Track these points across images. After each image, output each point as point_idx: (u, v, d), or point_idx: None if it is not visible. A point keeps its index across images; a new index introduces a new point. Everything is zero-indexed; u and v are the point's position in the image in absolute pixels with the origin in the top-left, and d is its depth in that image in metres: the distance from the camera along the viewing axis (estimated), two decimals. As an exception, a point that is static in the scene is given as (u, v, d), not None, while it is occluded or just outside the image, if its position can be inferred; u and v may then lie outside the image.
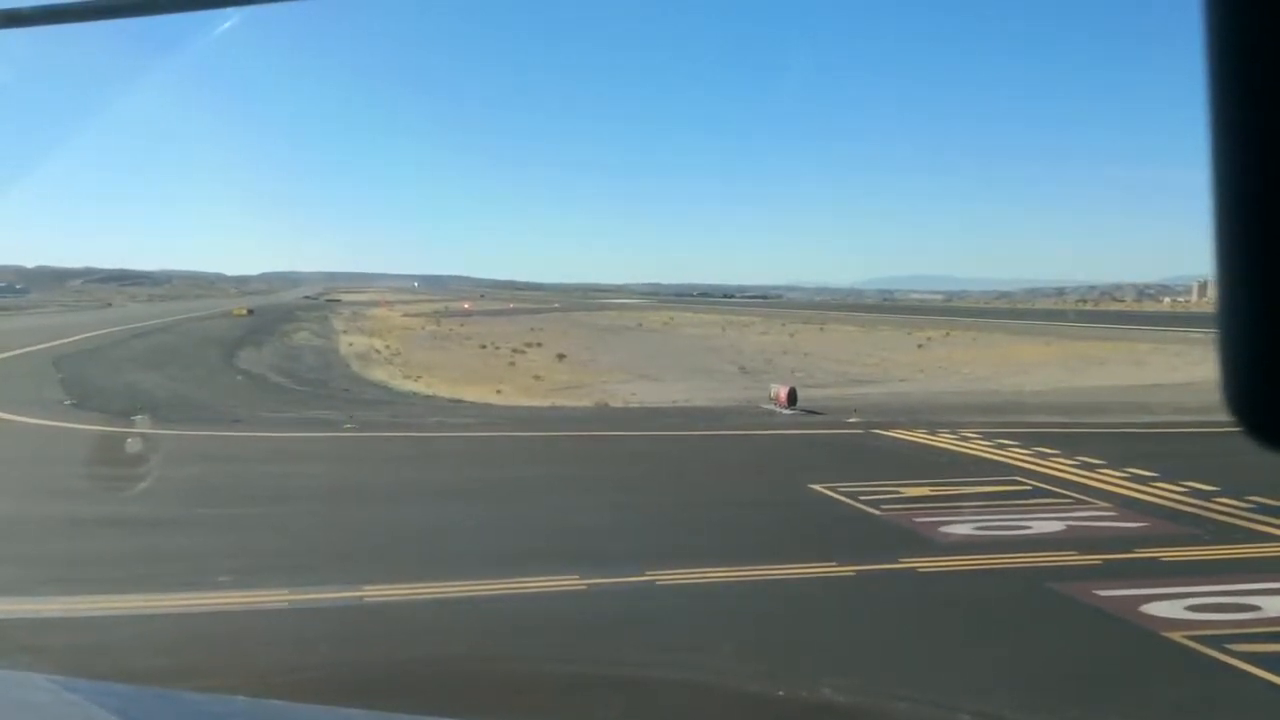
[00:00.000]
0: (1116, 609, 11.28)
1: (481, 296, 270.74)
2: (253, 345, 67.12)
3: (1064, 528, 15.37)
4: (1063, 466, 20.51)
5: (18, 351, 52.69)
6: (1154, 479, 18.79)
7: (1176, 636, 10.27)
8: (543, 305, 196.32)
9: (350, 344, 73.76)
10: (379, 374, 50.05)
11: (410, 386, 43.90)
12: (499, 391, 40.80)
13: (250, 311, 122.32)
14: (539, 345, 72.30)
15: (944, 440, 24.47)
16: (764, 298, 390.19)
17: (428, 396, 39.67)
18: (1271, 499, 16.25)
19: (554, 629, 10.90)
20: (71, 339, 63.92)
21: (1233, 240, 0.84)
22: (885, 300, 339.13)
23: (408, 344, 75.37)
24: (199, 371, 46.51)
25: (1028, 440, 23.78)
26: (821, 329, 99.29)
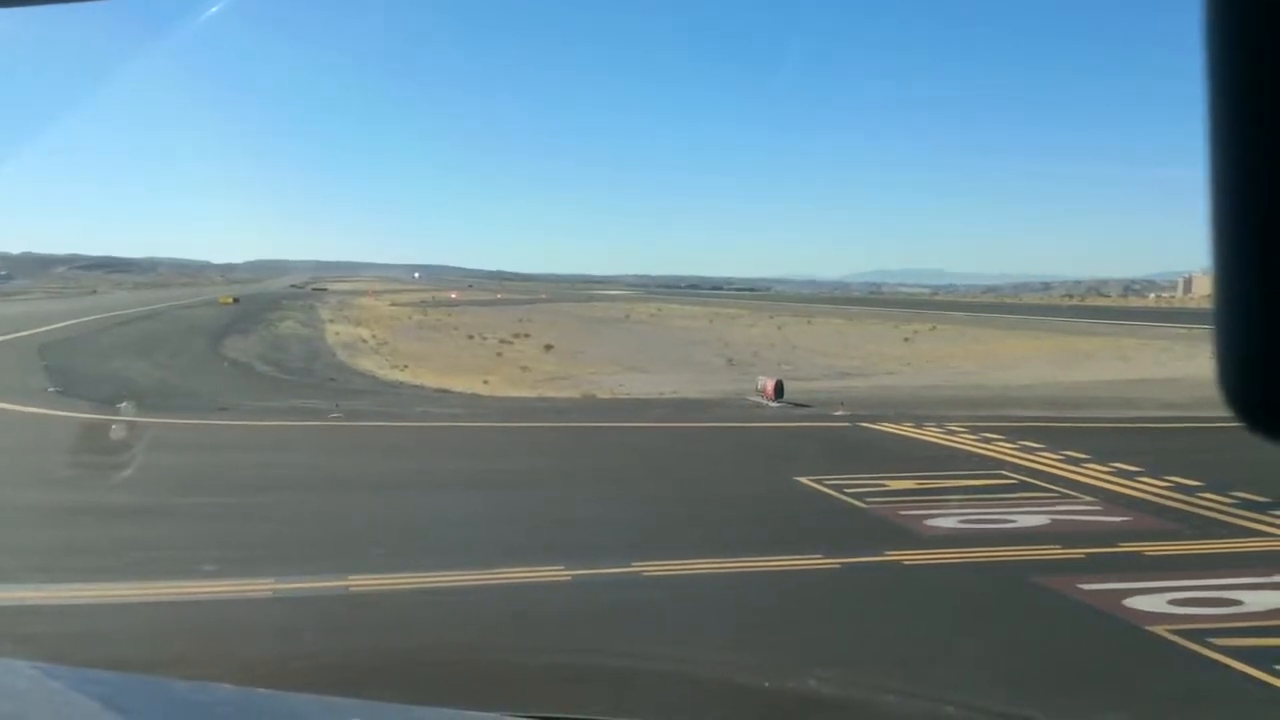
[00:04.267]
0: (1100, 603, 11.34)
1: (470, 286, 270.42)
2: (239, 333, 66.83)
3: (1048, 522, 15.45)
4: (1048, 461, 20.60)
5: (2, 338, 52.36)
6: (1139, 474, 18.89)
7: (1159, 630, 10.34)
8: (531, 296, 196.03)
9: (337, 333, 73.46)
10: (365, 363, 49.85)
11: (397, 376, 43.74)
12: (486, 382, 40.72)
13: (236, 300, 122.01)
14: (527, 336, 72.14)
15: (930, 434, 24.55)
16: (752, 290, 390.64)
17: (414, 386, 39.55)
18: (1255, 494, 16.38)
19: (539, 620, 10.90)
20: (56, 326, 63.61)
21: (1230, 233, 0.84)
22: (873, 294, 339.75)
23: (395, 334, 75.10)
24: (185, 359, 46.33)
25: (1013, 434, 23.88)
26: (809, 322, 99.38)
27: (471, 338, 71.19)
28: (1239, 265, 0.83)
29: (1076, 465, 20.04)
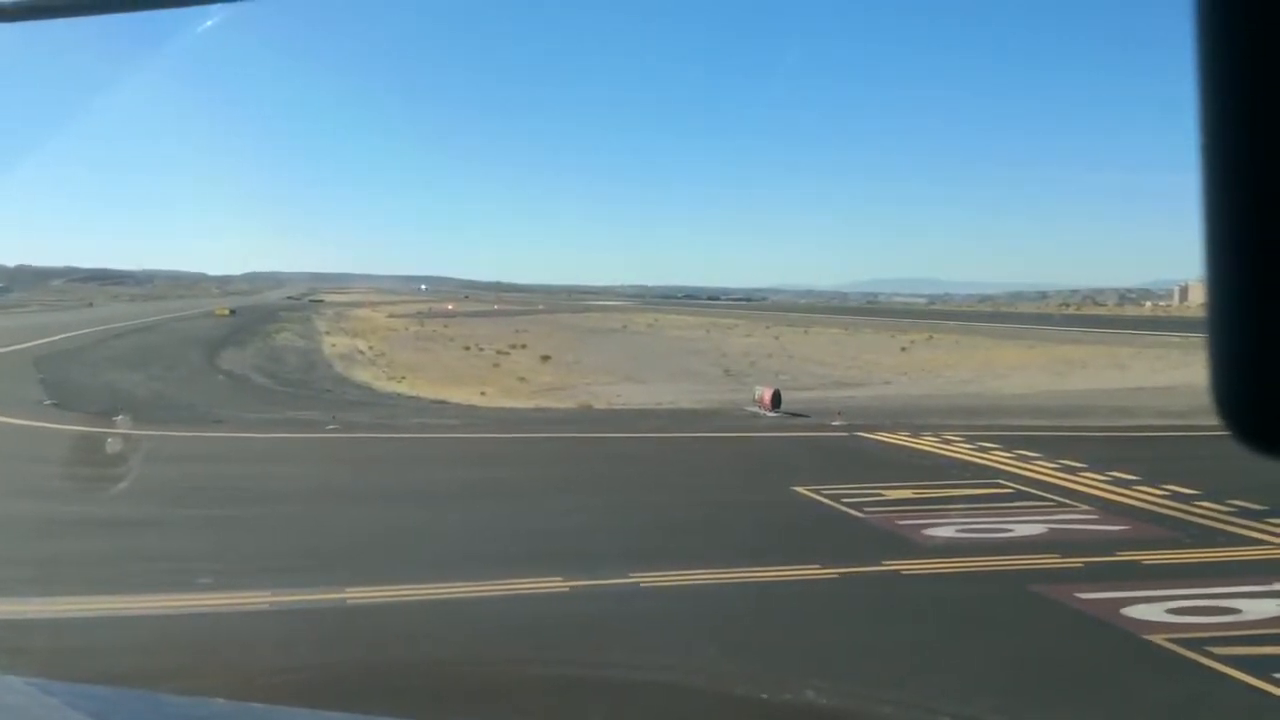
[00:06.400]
0: (1097, 612, 11.33)
1: (466, 297, 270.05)
2: (235, 345, 66.75)
3: (1046, 530, 15.44)
4: (1045, 470, 20.60)
5: (-3, 351, 52.28)
6: (1135, 482, 18.89)
7: (1157, 639, 10.33)
8: (528, 306, 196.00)
9: (334, 345, 73.39)
10: (362, 375, 49.81)
11: (394, 388, 43.71)
12: (483, 393, 40.69)
13: (233, 311, 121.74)
14: (523, 347, 72.09)
15: (927, 443, 24.55)
16: (748, 300, 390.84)
17: (411, 398, 39.53)
18: (1252, 503, 16.36)
19: (537, 631, 10.87)
20: (53, 338, 63.51)
21: (1223, 242, 0.84)
22: (869, 303, 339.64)
23: (392, 345, 75.05)
24: (181, 372, 46.24)
25: (1010, 443, 23.88)
26: (806, 332, 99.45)
27: (468, 349, 71.14)
28: (1233, 274, 0.83)
29: (1073, 474, 20.04)
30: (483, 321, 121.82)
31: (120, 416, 26.88)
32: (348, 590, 11.86)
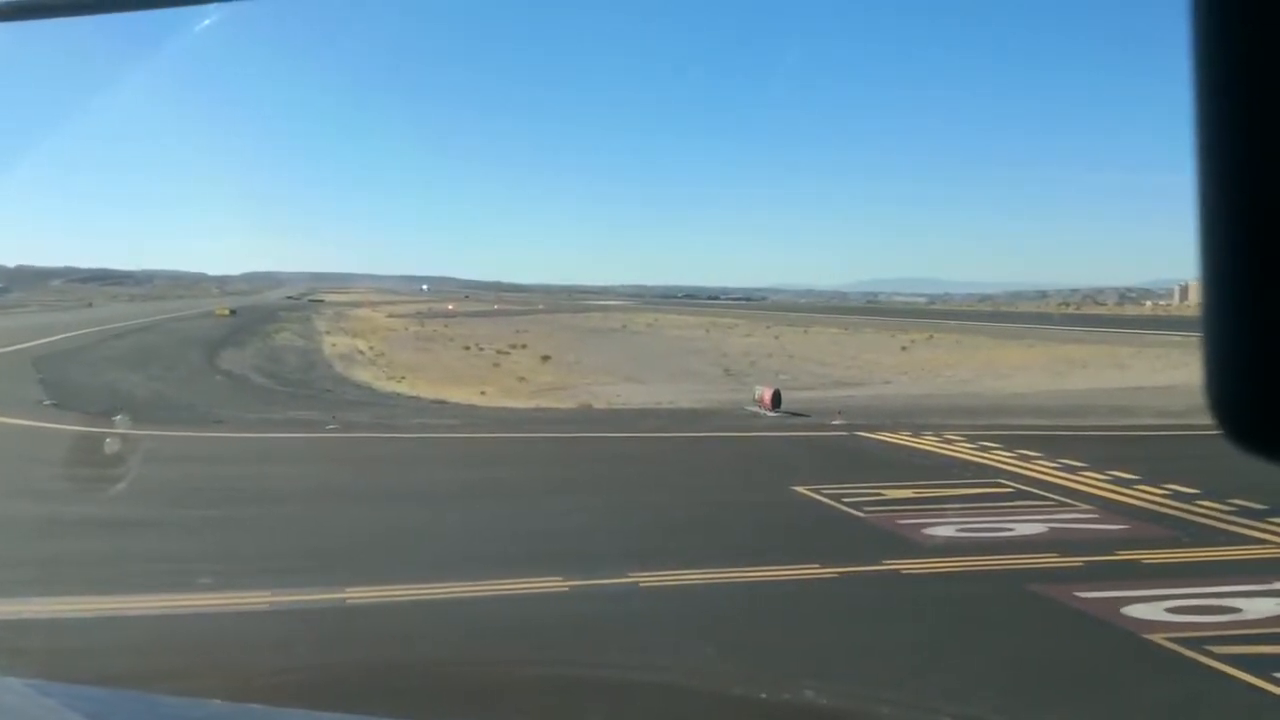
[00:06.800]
0: (1097, 611, 11.33)
1: (466, 297, 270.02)
2: (235, 345, 66.74)
3: (1046, 530, 15.44)
4: (1045, 469, 20.60)
5: (-3, 351, 52.26)
6: (1136, 482, 18.89)
7: (1157, 638, 10.32)
8: (528, 306, 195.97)
9: (333, 345, 73.37)
10: (362, 375, 49.80)
11: (394, 388, 43.71)
12: (483, 393, 40.68)
13: (233, 312, 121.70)
14: (523, 347, 72.09)
15: (927, 443, 24.54)
16: (748, 300, 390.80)
17: (411, 398, 39.53)
18: (1253, 502, 16.36)
19: (536, 631, 10.87)
20: (52, 338, 63.49)
21: (1218, 242, 0.83)
22: (869, 303, 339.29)
23: (391, 345, 75.04)
24: (181, 372, 46.22)
25: (1010, 443, 23.88)
26: (805, 331, 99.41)
27: (468, 349, 71.15)
28: (1227, 273, 0.83)
29: (1074, 473, 20.04)
30: (483, 321, 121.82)
31: (120, 416, 26.86)
32: (347, 591, 11.86)
